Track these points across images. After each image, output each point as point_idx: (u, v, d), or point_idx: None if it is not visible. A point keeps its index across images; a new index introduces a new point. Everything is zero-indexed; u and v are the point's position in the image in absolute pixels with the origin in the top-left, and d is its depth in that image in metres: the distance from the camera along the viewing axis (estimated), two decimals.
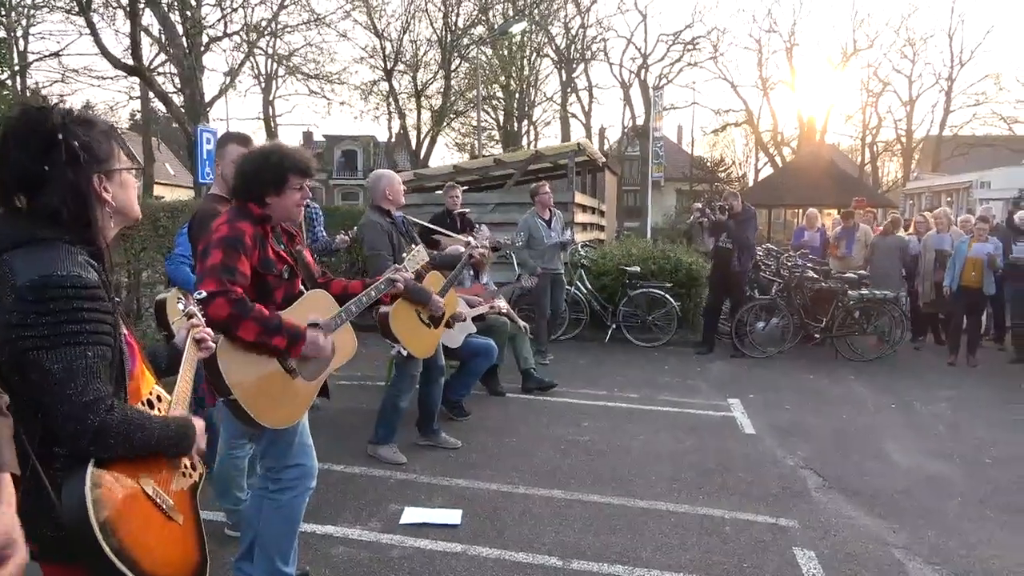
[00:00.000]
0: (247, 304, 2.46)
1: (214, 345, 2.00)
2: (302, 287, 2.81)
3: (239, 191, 2.70)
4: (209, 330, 1.99)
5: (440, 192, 12.62)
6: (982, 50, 40.30)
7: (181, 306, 1.98)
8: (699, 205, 8.77)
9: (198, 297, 2.15)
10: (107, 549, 1.42)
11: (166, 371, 1.94)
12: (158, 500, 1.62)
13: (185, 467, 1.78)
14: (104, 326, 1.53)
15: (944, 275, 8.52)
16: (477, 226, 5.14)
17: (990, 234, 8.69)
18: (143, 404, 1.68)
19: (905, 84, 36.67)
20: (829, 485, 4.58)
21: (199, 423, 1.79)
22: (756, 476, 4.68)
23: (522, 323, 6.64)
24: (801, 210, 15.45)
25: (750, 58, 49.99)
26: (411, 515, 3.90)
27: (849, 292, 8.46)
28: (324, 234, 6.19)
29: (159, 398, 1.75)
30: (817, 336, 8.69)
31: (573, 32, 32.82)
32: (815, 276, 8.82)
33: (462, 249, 4.94)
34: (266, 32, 18.35)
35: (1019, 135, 36.79)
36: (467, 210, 7.70)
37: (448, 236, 6.07)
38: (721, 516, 4.03)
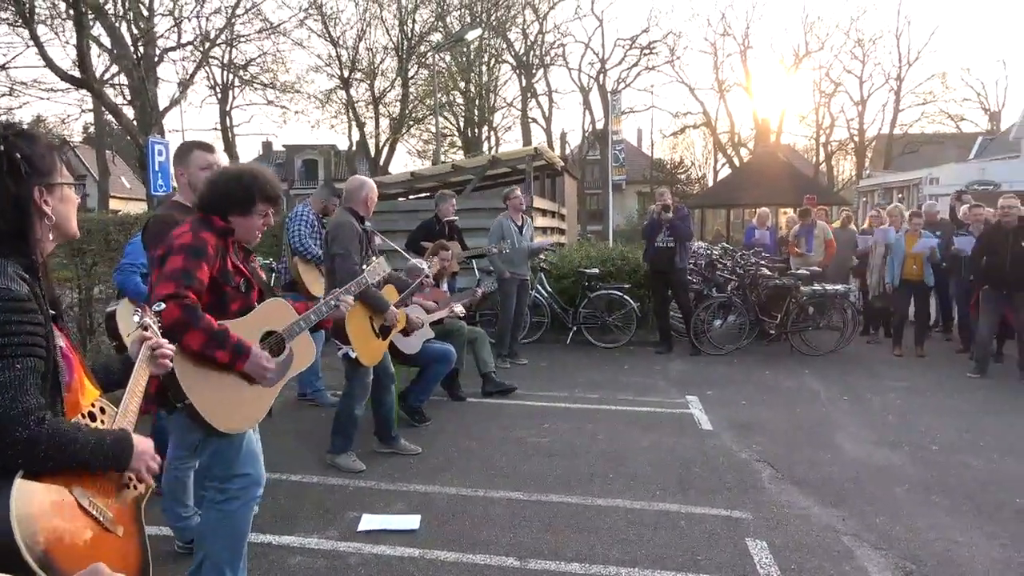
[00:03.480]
0: (198, 312, 2.49)
1: (171, 364, 1.99)
2: (257, 301, 2.83)
3: (206, 203, 2.74)
4: (167, 343, 1.98)
5: (402, 200, 12.64)
6: (928, 50, 41.61)
7: (136, 317, 1.96)
8: (654, 207, 8.89)
9: (156, 309, 2.14)
10: (32, 563, 1.41)
11: (119, 383, 1.92)
12: (94, 512, 1.60)
13: (129, 478, 1.77)
14: (35, 338, 1.52)
15: (876, 270, 8.77)
16: (431, 259, 5.22)
17: (936, 228, 9.01)
18: (83, 416, 1.68)
19: (856, 84, 37.62)
20: (782, 477, 4.68)
21: (143, 442, 1.76)
22: (712, 471, 4.77)
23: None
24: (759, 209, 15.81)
25: (706, 61, 50.89)
26: (369, 522, 3.90)
27: (802, 288, 8.65)
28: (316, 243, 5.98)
29: (102, 410, 1.74)
30: (772, 332, 8.87)
31: (531, 38, 33.06)
32: (769, 273, 9.01)
33: (424, 266, 5.05)
34: (220, 42, 18.15)
35: (966, 132, 37.96)
36: (456, 218, 7.76)
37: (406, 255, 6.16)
38: (677, 511, 4.10)
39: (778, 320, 8.78)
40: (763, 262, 9.36)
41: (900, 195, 26.57)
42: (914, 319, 8.78)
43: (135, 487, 1.76)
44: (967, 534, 3.85)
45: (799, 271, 9.14)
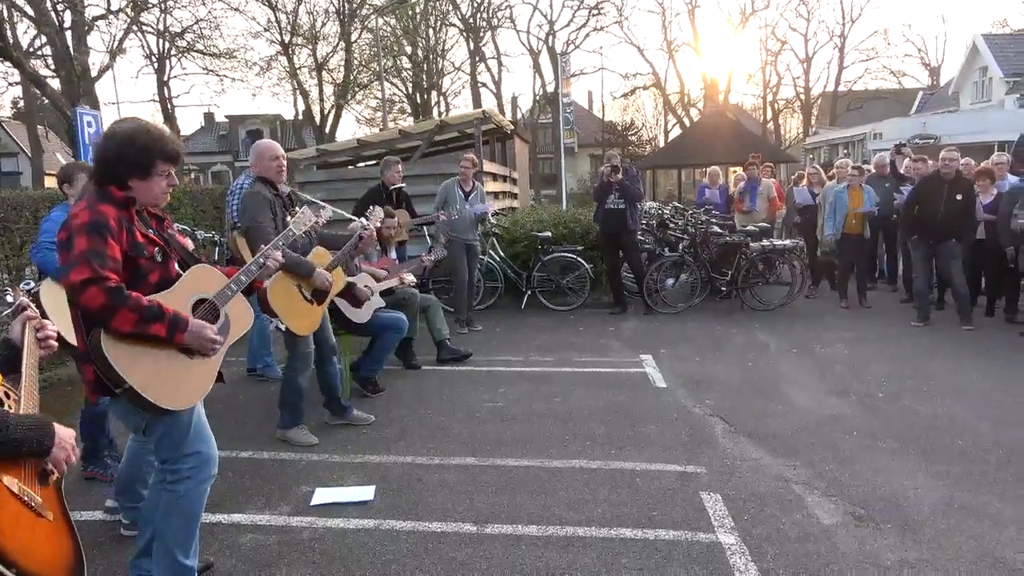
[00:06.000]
0: (123, 293, 2.33)
1: (56, 344, 1.88)
2: (179, 269, 2.68)
3: (100, 173, 2.53)
4: (49, 323, 1.87)
5: (352, 168, 12.36)
6: (871, 7, 42.34)
7: (10, 298, 1.85)
8: (603, 168, 8.85)
9: (25, 288, 2.02)
10: None
11: (3, 369, 1.81)
12: (25, 498, 1.55)
13: (46, 463, 1.70)
14: None
15: (827, 225, 8.90)
16: (371, 208, 5.02)
17: (885, 181, 9.19)
18: None
19: (801, 42, 38.27)
20: (735, 430, 4.74)
21: (64, 430, 1.70)
22: (666, 427, 4.81)
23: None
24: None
25: (654, 21, 50.80)
26: (322, 495, 3.83)
27: (751, 245, 8.74)
28: None
29: (7, 394, 1.65)
30: (723, 289, 8.97)
31: (478, 0, 32.46)
32: (719, 231, 9.08)
33: (363, 222, 4.85)
34: (150, 5, 17.35)
35: (908, 88, 38.91)
36: (403, 185, 7.58)
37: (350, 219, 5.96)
38: (632, 468, 4.12)
39: (729, 277, 8.87)
40: (713, 220, 9.43)
41: (846, 151, 27.13)
42: (856, 271, 8.97)
43: (53, 472, 1.68)
44: (912, 476, 3.95)
45: (747, 228, 9.23)
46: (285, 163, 4.43)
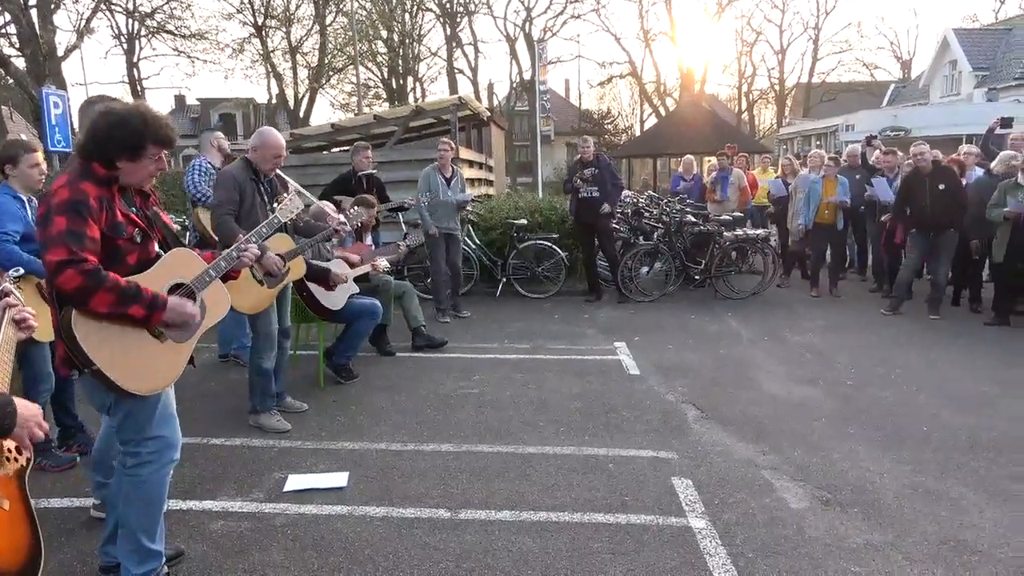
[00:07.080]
0: (101, 274, 2.31)
1: (35, 325, 1.85)
2: (159, 250, 2.65)
3: (88, 149, 2.48)
4: (29, 309, 1.84)
5: (326, 153, 12.22)
6: None
7: None
8: (578, 156, 8.85)
9: (15, 275, 1.99)
10: None
11: None
12: None
13: (8, 451, 1.66)
14: None
15: (799, 214, 8.98)
16: (356, 208, 5.00)
17: (857, 172, 9.30)
18: None
19: (776, 33, 38.55)
20: (707, 416, 4.80)
21: (28, 407, 1.65)
22: (639, 414, 4.85)
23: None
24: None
25: (631, 10, 50.80)
26: (295, 482, 3.81)
27: (724, 234, 8.82)
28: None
29: None
30: (697, 277, 9.05)
31: None
32: (693, 220, 9.15)
33: (340, 217, 4.82)
34: None
35: (880, 80, 39.46)
36: (374, 171, 7.48)
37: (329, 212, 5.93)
38: (605, 454, 4.15)
39: (702, 265, 8.95)
40: (688, 209, 9.49)
41: (818, 142, 27.44)
42: (828, 261, 9.10)
43: (15, 459, 1.64)
44: (879, 462, 4.03)
45: (721, 217, 9.31)
46: (282, 161, 4.42)
